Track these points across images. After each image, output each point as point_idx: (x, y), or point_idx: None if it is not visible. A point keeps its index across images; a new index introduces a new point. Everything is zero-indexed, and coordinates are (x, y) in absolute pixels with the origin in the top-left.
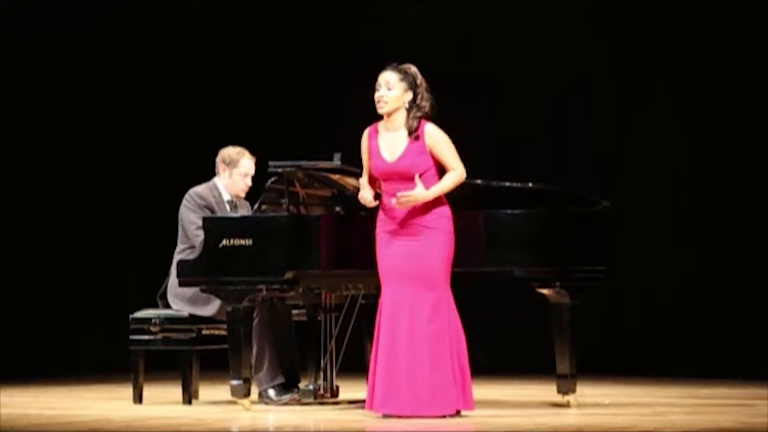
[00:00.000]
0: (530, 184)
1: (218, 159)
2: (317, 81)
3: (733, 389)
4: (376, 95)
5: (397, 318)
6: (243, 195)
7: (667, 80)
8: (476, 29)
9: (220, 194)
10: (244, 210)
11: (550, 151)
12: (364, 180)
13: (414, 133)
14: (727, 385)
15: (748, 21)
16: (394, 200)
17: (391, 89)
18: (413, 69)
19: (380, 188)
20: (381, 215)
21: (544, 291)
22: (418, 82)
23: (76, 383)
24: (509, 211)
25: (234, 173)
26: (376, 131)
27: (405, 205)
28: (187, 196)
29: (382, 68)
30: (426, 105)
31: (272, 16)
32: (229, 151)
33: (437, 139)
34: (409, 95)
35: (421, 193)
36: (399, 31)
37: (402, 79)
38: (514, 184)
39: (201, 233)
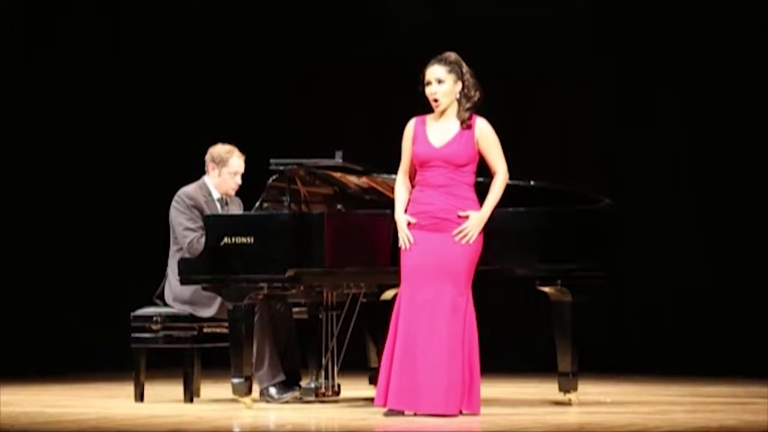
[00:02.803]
0: (532, 182)
1: (207, 158)
2: (318, 79)
3: (734, 387)
4: (429, 92)
5: (418, 316)
6: (233, 193)
7: (668, 78)
8: (477, 29)
9: (210, 193)
10: (236, 207)
11: (552, 149)
12: (400, 218)
13: (466, 123)
14: (729, 384)
15: (748, 17)
16: (457, 237)
17: (442, 83)
18: (454, 56)
19: (415, 181)
20: (412, 209)
21: (546, 289)
22: (464, 70)
23: (77, 381)
24: (511, 209)
25: (223, 172)
26: (424, 121)
27: (467, 239)
28: (176, 196)
29: (426, 63)
30: (475, 95)
31: (272, 15)
32: (219, 150)
33: (486, 135)
34: (459, 86)
35: (476, 219)
36: (399, 31)
37: (450, 71)
38: (516, 182)
39: (189, 234)
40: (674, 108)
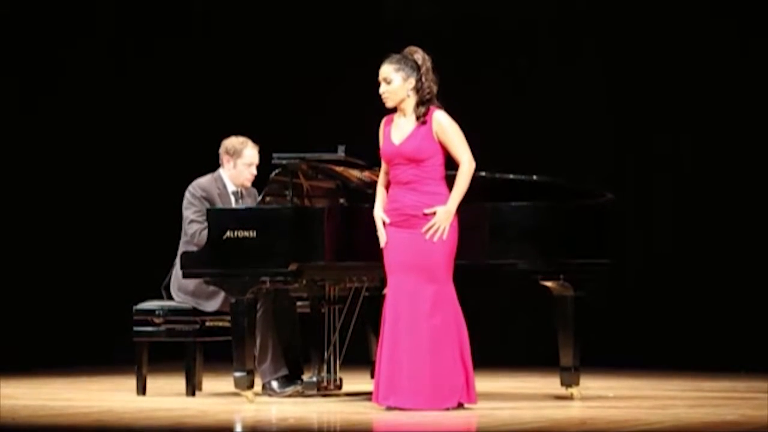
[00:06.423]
0: (534, 177)
1: (221, 150)
2: (320, 76)
3: (736, 383)
4: (380, 91)
5: (399, 311)
6: (249, 185)
7: (664, 75)
8: (478, 28)
9: (224, 185)
10: (251, 199)
11: (553, 143)
12: (376, 216)
13: (421, 118)
14: (730, 379)
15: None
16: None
17: (390, 82)
18: (412, 52)
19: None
20: (387, 207)
21: (548, 283)
22: (420, 63)
23: (79, 374)
24: (513, 204)
25: (238, 163)
26: (392, 119)
27: (439, 234)
28: (189, 187)
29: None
30: (432, 87)
31: (281, 13)
32: (232, 142)
33: (444, 128)
34: (411, 82)
35: (442, 214)
36: (401, 30)
37: (398, 69)
38: (518, 177)
39: (193, 225)
40: (673, 104)
